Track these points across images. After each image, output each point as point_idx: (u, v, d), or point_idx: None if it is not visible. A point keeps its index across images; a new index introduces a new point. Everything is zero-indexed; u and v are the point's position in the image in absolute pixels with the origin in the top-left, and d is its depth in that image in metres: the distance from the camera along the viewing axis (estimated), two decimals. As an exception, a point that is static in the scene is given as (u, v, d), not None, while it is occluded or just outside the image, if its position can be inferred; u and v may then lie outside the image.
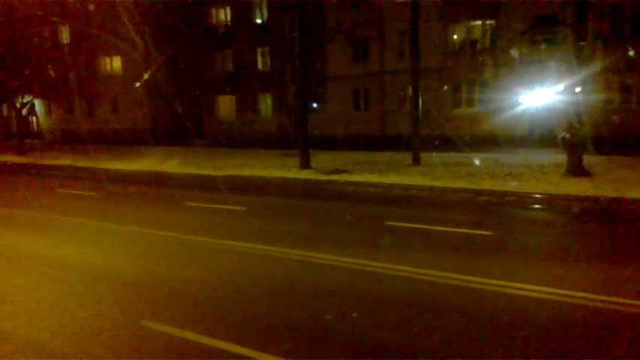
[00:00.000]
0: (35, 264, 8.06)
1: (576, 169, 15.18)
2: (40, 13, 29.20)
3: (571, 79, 15.19)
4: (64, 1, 31.38)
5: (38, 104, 39.20)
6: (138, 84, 30.30)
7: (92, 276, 7.29)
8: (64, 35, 37.58)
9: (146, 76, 29.65)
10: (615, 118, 22.27)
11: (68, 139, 37.90)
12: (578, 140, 15.33)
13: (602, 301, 5.79)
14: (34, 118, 42.06)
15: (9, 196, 15.63)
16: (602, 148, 19.00)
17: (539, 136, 24.61)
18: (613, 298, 5.85)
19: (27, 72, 28.72)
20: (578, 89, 15.16)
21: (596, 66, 20.73)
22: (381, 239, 9.31)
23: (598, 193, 12.74)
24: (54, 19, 30.56)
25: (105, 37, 30.37)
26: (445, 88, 26.62)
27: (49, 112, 40.66)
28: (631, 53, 21.44)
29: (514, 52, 23.34)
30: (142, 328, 5.41)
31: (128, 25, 27.22)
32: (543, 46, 24.19)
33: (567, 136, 15.12)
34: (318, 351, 4.83)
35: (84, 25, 32.27)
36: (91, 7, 31.77)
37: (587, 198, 12.49)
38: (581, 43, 15.24)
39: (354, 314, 5.63)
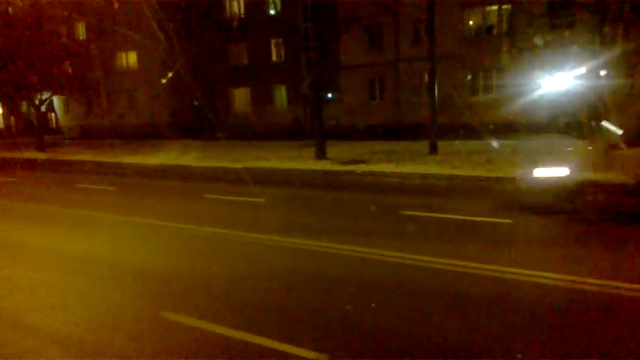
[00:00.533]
0: (56, 258, 8.18)
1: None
2: (65, 13, 29.58)
3: (591, 64, 14.87)
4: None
5: (56, 101, 39.75)
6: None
7: (114, 269, 7.39)
8: (81, 31, 37.96)
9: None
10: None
11: (87, 135, 38.40)
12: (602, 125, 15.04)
13: (616, 287, 5.70)
14: (53, 114, 42.67)
15: (31, 192, 15.88)
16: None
17: (559, 122, 24.19)
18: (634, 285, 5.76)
19: (45, 68, 29.07)
20: (597, 73, 14.84)
21: (617, 49, 20.26)
22: (398, 229, 9.25)
23: (623, 179, 12.46)
24: (74, 16, 30.92)
25: (123, 32, 30.59)
26: (468, 77, 26.27)
27: (67, 109, 41.20)
28: None
29: (537, 40, 22.82)
30: (162, 319, 5.46)
31: (151, 20, 27.36)
32: (562, 30, 23.71)
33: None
34: (338, 340, 4.83)
35: (101, 20, 32.60)
36: (115, 5, 32.02)
37: (611, 183, 12.22)
38: (602, 26, 14.86)
39: (373, 304, 5.61)
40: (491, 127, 23.12)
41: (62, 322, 5.56)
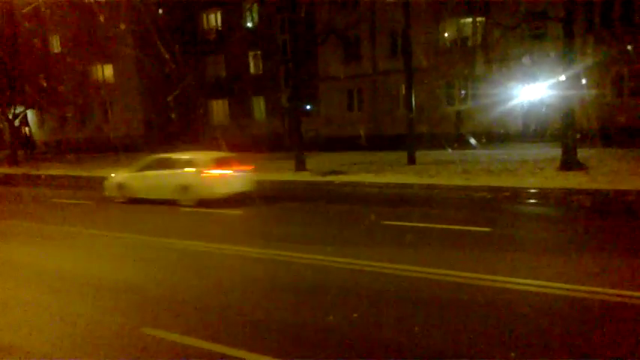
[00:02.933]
0: (32, 275, 8.00)
1: (571, 163, 15.25)
2: (41, 26, 29.12)
3: (563, 74, 15.27)
4: (55, 10, 31.32)
5: (31, 115, 39.07)
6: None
7: (91, 285, 7.25)
8: (55, 44, 37.49)
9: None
10: (607, 111, 22.38)
11: (62, 149, 37.76)
12: (571, 134, 15.43)
13: (605, 293, 5.81)
14: (27, 128, 41.89)
15: (3, 208, 15.54)
16: (596, 141, 19.12)
17: (533, 131, 24.72)
18: (616, 291, 5.88)
19: (18, 83, 28.61)
20: (569, 83, 15.23)
21: (587, 60, 20.84)
22: (379, 239, 9.30)
23: (593, 186, 12.80)
24: (49, 29, 30.55)
25: (99, 45, 30.32)
26: (438, 87, 26.66)
27: (41, 123, 40.51)
28: (628, 48, 21.56)
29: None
30: (143, 335, 5.37)
31: (127, 32, 27.15)
32: (534, 41, 24.29)
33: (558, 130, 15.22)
34: (321, 352, 4.82)
35: (77, 33, 32.26)
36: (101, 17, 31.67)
37: (582, 191, 12.53)
38: (572, 37, 15.29)
39: (355, 315, 5.62)
40: (469, 136, 23.47)
41: (40, 342, 5.43)
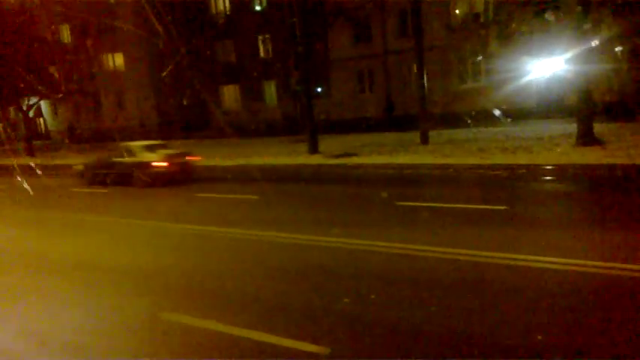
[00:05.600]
0: (51, 263, 8.11)
1: (587, 139, 15.01)
2: (55, 15, 29.08)
3: (577, 48, 14.94)
4: (64, 1, 31.31)
5: (44, 105, 39.39)
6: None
7: (105, 271, 7.33)
8: (66, 34, 37.58)
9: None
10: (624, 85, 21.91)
11: (76, 139, 38.08)
12: (587, 108, 15.15)
13: (622, 269, 5.74)
14: (41, 119, 42.28)
15: (24, 198, 15.75)
16: (612, 115, 18.77)
17: (548, 106, 24.33)
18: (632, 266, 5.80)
19: (31, 74, 28.78)
20: (585, 57, 14.91)
21: (602, 34, 20.35)
22: (394, 220, 9.27)
23: (610, 161, 12.59)
24: (59, 18, 30.60)
25: (114, 27, 30.24)
26: (450, 65, 26.29)
27: (55, 113, 40.85)
28: None
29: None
30: (161, 320, 5.43)
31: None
32: (548, 15, 23.75)
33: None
34: (338, 333, 4.83)
35: (87, 21, 32.28)
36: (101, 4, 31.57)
37: (599, 167, 12.34)
38: (588, 10, 14.92)
39: (373, 296, 5.62)
40: (483, 114, 23.19)
41: (60, 328, 5.52)
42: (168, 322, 5.32)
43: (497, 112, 22.39)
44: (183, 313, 5.51)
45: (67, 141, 38.23)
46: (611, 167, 12.16)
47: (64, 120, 40.23)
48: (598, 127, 15.61)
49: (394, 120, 27.26)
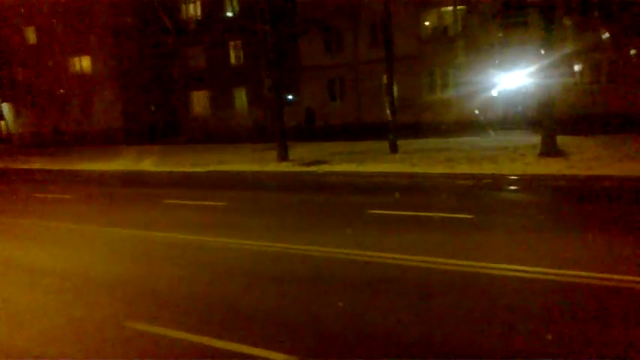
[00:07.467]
0: (11, 270, 7.86)
1: (551, 150, 15.43)
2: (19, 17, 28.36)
3: (542, 61, 15.38)
4: (31, 2, 30.59)
5: (7, 108, 38.25)
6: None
7: (71, 280, 7.14)
8: (31, 37, 36.65)
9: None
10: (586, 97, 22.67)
11: (39, 143, 37.05)
12: (550, 121, 15.60)
13: (578, 276, 5.91)
14: (3, 122, 41.02)
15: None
16: (575, 128, 19.36)
17: (512, 118, 24.92)
18: (598, 274, 5.97)
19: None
20: (548, 70, 15.36)
21: (566, 47, 21.03)
22: (364, 228, 9.30)
23: (572, 172, 12.96)
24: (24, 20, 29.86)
25: (76, 35, 29.66)
26: (420, 76, 26.72)
27: (18, 116, 39.69)
28: (605, 35, 21.81)
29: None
30: (125, 329, 5.31)
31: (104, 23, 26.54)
32: (514, 29, 24.43)
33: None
34: (306, 341, 4.81)
35: (53, 24, 31.57)
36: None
37: (562, 177, 12.69)
38: (551, 25, 15.40)
39: (340, 304, 5.62)
40: (450, 125, 23.61)
41: (20, 338, 5.34)
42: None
43: (464, 123, 22.83)
44: (147, 322, 5.41)
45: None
46: (573, 178, 12.52)
47: (28, 123, 39.10)
48: (561, 140, 16.06)
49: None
